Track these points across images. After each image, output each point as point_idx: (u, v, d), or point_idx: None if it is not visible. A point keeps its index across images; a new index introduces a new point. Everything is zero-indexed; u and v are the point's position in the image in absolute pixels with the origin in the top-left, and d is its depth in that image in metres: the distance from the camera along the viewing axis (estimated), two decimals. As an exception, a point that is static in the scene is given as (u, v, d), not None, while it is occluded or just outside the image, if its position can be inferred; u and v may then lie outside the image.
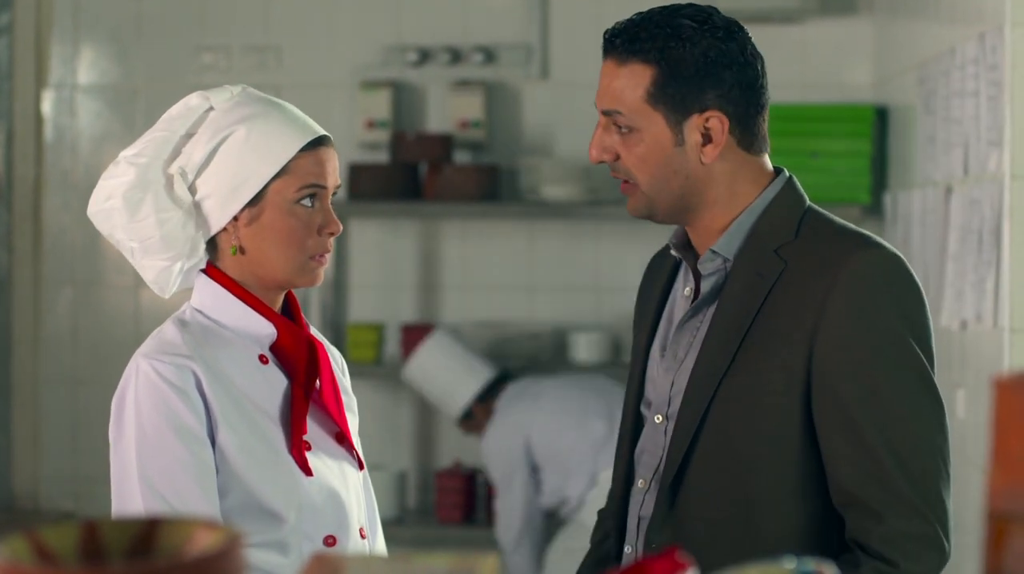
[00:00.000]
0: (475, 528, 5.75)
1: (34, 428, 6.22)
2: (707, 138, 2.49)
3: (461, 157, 6.06)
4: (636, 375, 2.63)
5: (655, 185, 2.50)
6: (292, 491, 2.54)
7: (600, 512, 2.76)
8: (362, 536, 2.65)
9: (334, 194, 2.64)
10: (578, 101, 5.90)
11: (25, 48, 6.23)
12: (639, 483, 2.58)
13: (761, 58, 2.53)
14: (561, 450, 5.23)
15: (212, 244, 2.63)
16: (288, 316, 2.66)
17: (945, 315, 4.23)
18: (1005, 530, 1.37)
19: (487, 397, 5.52)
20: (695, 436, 2.48)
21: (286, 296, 2.67)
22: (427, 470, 6.04)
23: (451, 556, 1.55)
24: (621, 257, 5.98)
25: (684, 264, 2.61)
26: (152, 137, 2.59)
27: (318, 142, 2.60)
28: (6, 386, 6.24)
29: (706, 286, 2.54)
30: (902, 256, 2.49)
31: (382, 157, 6.03)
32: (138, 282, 6.01)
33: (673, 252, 2.61)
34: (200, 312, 2.61)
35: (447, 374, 5.57)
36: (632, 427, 2.62)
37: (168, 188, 2.58)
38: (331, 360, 2.69)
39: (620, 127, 2.50)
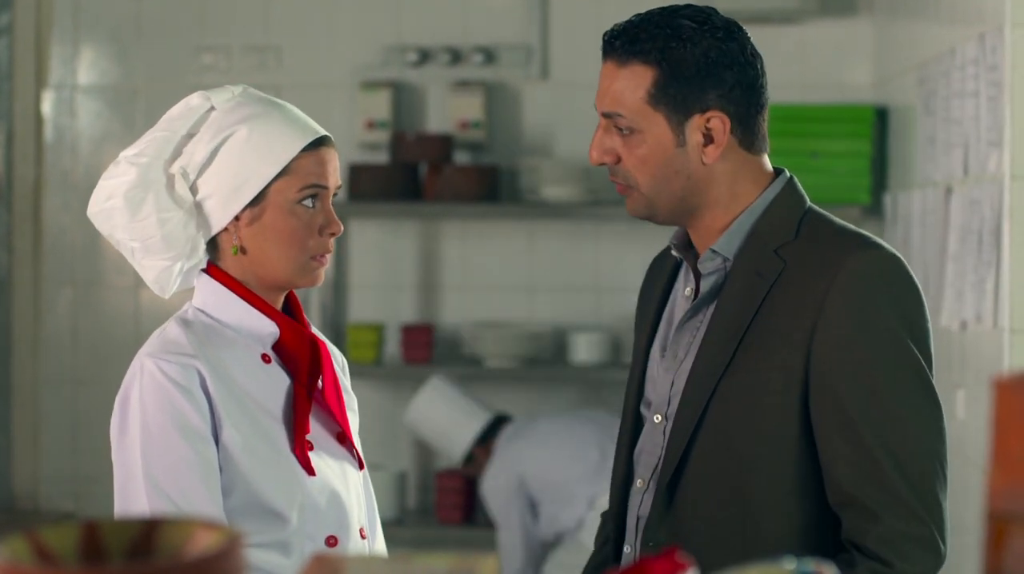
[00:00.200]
0: (475, 528, 5.75)
1: (34, 428, 6.22)
2: (708, 138, 2.49)
3: (461, 157, 6.06)
4: (636, 375, 2.63)
5: (656, 186, 2.50)
6: (294, 491, 2.54)
7: (603, 514, 2.76)
8: (362, 536, 2.65)
9: (335, 195, 2.64)
10: (578, 101, 5.90)
11: (25, 48, 6.23)
12: (638, 483, 2.58)
13: (760, 58, 2.53)
14: (555, 484, 5.32)
15: (213, 244, 2.63)
16: (289, 315, 2.66)
17: (945, 315, 4.23)
18: (1005, 530, 1.37)
19: (486, 439, 5.58)
20: (693, 435, 2.48)
21: (287, 295, 2.67)
22: (427, 470, 6.04)
23: (451, 556, 1.55)
24: (621, 257, 5.98)
25: (685, 264, 2.61)
26: (153, 137, 2.60)
27: (319, 142, 2.60)
28: (6, 386, 6.24)
29: (706, 286, 2.54)
30: (901, 257, 2.49)
31: (382, 157, 6.03)
32: (138, 282, 6.01)
33: (674, 252, 2.61)
34: (202, 311, 2.61)
35: (446, 420, 5.63)
36: (632, 427, 2.62)
37: (169, 188, 2.59)
38: (332, 360, 2.69)
39: (621, 129, 2.50)
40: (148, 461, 2.48)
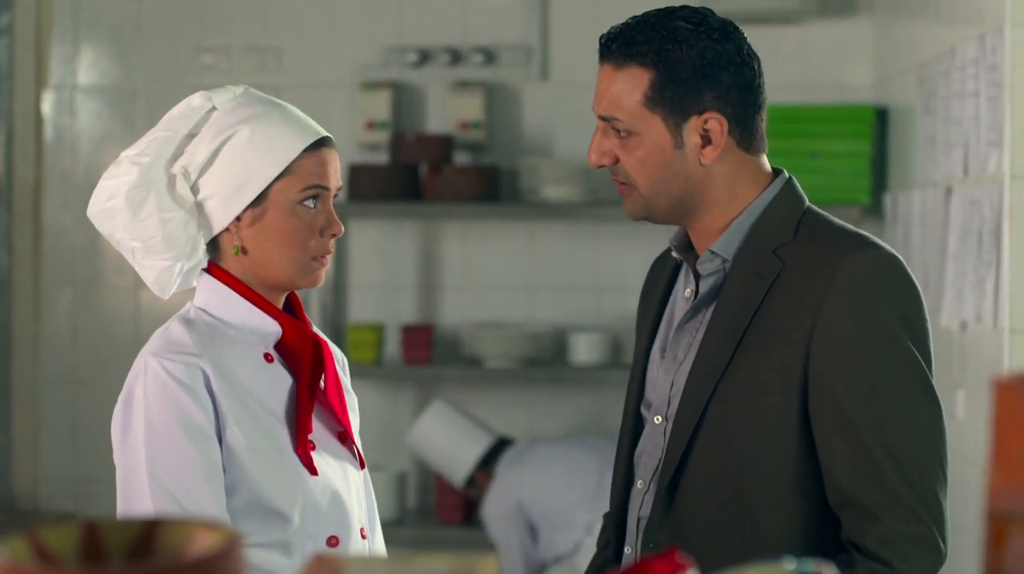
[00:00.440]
0: (475, 529, 5.75)
1: (34, 428, 6.22)
2: (706, 140, 2.49)
3: (461, 158, 6.06)
4: (637, 376, 2.63)
5: (654, 188, 2.50)
6: (297, 491, 2.54)
7: (605, 515, 2.77)
8: (363, 536, 2.65)
9: (335, 195, 2.64)
10: (578, 102, 5.90)
11: (25, 49, 6.23)
12: (638, 484, 2.58)
13: (757, 58, 2.53)
14: (554, 509, 5.35)
15: (213, 244, 2.63)
16: (291, 314, 2.66)
17: (945, 316, 4.23)
18: (1005, 530, 1.37)
19: (488, 463, 5.60)
20: (693, 436, 2.48)
21: (288, 295, 2.67)
22: (427, 471, 6.04)
23: (451, 557, 1.55)
24: (621, 257, 5.98)
25: (685, 265, 2.61)
26: (155, 137, 2.60)
27: (320, 143, 2.60)
28: (6, 386, 6.24)
29: (705, 287, 2.54)
30: (900, 257, 2.49)
31: (382, 158, 6.03)
32: (138, 283, 6.01)
33: (674, 254, 2.61)
34: (204, 311, 2.61)
35: (448, 443, 5.66)
36: (632, 429, 2.62)
37: (171, 188, 2.59)
38: (333, 359, 2.69)
39: (619, 131, 2.50)
40: (152, 460, 2.48)
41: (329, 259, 2.62)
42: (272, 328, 2.60)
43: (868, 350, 2.42)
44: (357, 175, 5.86)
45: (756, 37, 2.58)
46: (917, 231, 4.75)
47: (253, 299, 2.61)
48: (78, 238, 6.14)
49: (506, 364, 5.83)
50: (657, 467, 2.54)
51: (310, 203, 2.58)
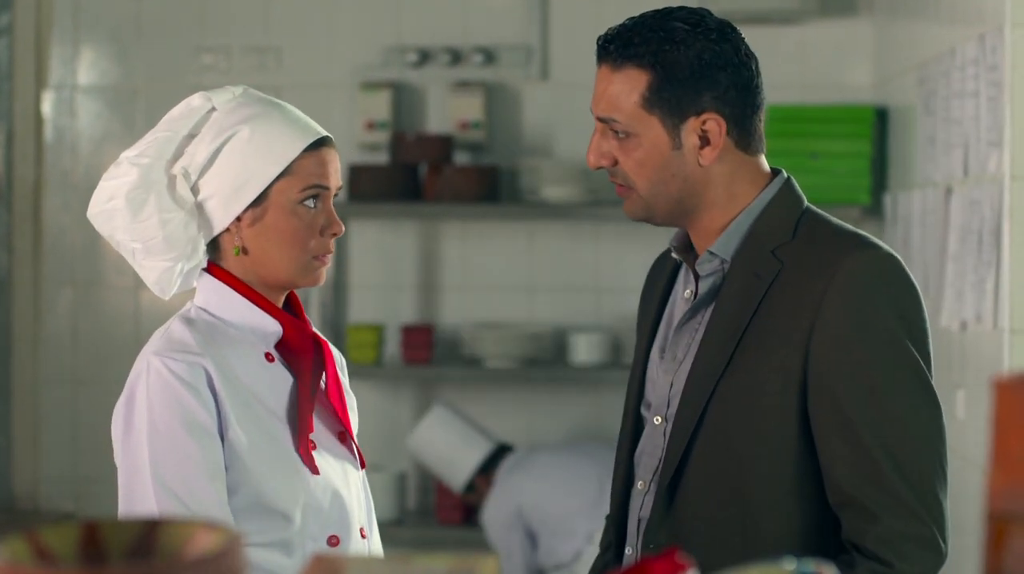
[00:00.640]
0: (475, 529, 5.75)
1: (34, 428, 6.22)
2: (705, 140, 2.49)
3: (461, 158, 6.06)
4: (637, 377, 2.63)
5: (653, 189, 2.50)
6: (298, 490, 2.54)
7: (607, 517, 2.77)
8: (362, 536, 2.65)
9: (336, 195, 2.64)
10: (578, 102, 5.89)
11: (25, 49, 6.23)
12: (639, 485, 2.58)
13: (755, 58, 2.53)
14: (554, 517, 5.36)
15: (214, 244, 2.63)
16: (291, 314, 2.66)
17: (945, 316, 4.23)
18: (1005, 530, 1.37)
19: (488, 469, 5.60)
20: (693, 436, 2.48)
21: (288, 295, 2.67)
22: (427, 471, 6.04)
23: (451, 557, 1.55)
24: (621, 257, 5.98)
25: (684, 266, 2.61)
26: (154, 138, 2.60)
27: (320, 143, 2.60)
28: (6, 386, 6.24)
29: (704, 287, 2.54)
30: (899, 257, 2.49)
31: (382, 158, 6.03)
32: (138, 283, 6.01)
33: (673, 254, 2.61)
34: (205, 310, 2.61)
35: (448, 448, 5.66)
36: (632, 429, 2.62)
37: (171, 189, 2.59)
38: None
39: (617, 133, 2.50)
40: (155, 459, 2.48)
41: (330, 258, 2.63)
42: (273, 327, 2.61)
43: (867, 350, 2.42)
44: (357, 175, 5.86)
45: (756, 37, 2.58)
46: (917, 231, 4.75)
47: (253, 299, 2.61)
48: (78, 238, 6.14)
49: (506, 364, 5.84)
50: (657, 467, 2.54)
51: (310, 203, 2.58)
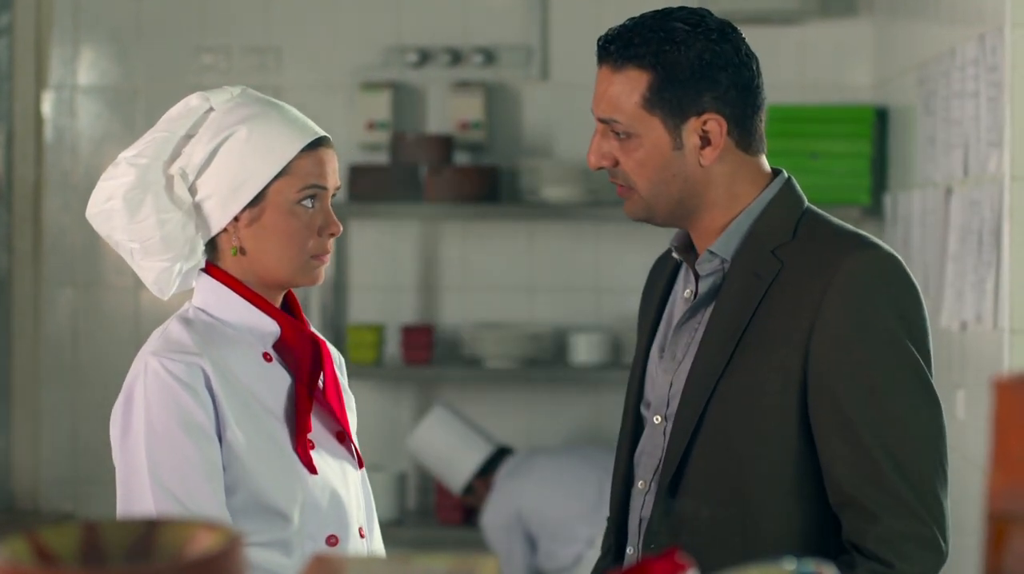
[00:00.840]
0: (475, 530, 5.75)
1: (34, 428, 6.22)
2: (705, 141, 2.49)
3: (461, 158, 6.06)
4: (637, 376, 2.63)
5: (654, 189, 2.50)
6: (296, 490, 2.54)
7: (608, 519, 2.76)
8: (361, 536, 2.65)
9: (334, 195, 2.64)
10: (578, 102, 5.89)
11: (25, 49, 6.23)
12: (639, 484, 2.58)
13: (756, 58, 2.53)
14: (554, 521, 5.35)
15: (212, 245, 2.63)
16: (289, 313, 2.66)
17: (945, 316, 4.23)
18: (1005, 530, 1.37)
19: (487, 472, 5.60)
20: (693, 436, 2.48)
21: (286, 295, 2.67)
22: (427, 471, 6.04)
23: (451, 557, 1.55)
24: (621, 258, 5.98)
25: (685, 265, 2.61)
26: (152, 138, 2.60)
27: (318, 143, 2.60)
28: (6, 386, 6.23)
29: (704, 287, 2.54)
30: (899, 256, 2.49)
31: (382, 158, 6.03)
32: (138, 283, 6.01)
33: (674, 254, 2.61)
34: (203, 311, 2.61)
35: (447, 450, 5.66)
36: (632, 429, 2.62)
37: (168, 189, 2.59)
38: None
39: (618, 133, 2.50)
40: (153, 459, 2.48)
41: (328, 258, 2.63)
42: (271, 328, 2.61)
43: (867, 350, 2.42)
44: (357, 175, 5.86)
45: (756, 37, 2.57)
46: (917, 231, 4.75)
47: (251, 299, 2.61)
48: (78, 238, 6.13)
49: (506, 364, 5.84)
50: (657, 467, 2.54)
51: (308, 203, 2.58)
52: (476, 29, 6.05)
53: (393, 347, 6.05)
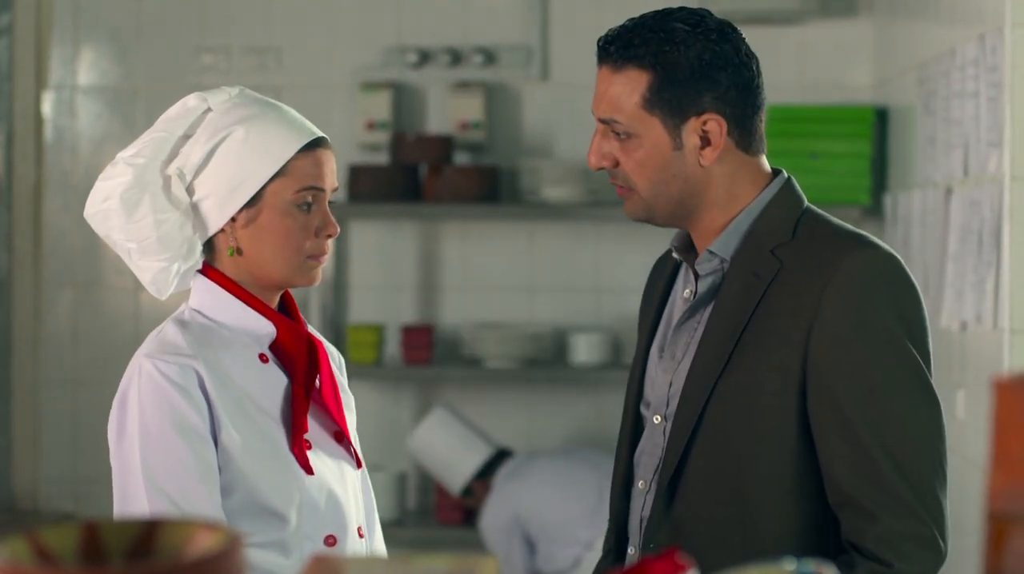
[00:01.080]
0: (475, 530, 5.75)
1: (34, 429, 6.22)
2: (705, 141, 2.49)
3: (461, 158, 6.06)
4: (636, 376, 2.63)
5: (654, 189, 2.50)
6: (293, 490, 2.54)
7: (609, 519, 2.76)
8: (360, 535, 2.65)
9: (332, 197, 2.64)
10: (578, 102, 5.90)
11: (25, 49, 6.23)
12: (639, 484, 2.58)
13: (756, 58, 2.53)
14: (553, 524, 5.36)
15: (209, 245, 2.63)
16: (286, 315, 2.66)
17: (945, 316, 4.23)
18: (1005, 530, 1.37)
19: (486, 474, 5.60)
20: (692, 436, 2.48)
21: (283, 295, 2.67)
22: (427, 471, 6.04)
23: (451, 557, 1.55)
24: (621, 258, 5.98)
25: (685, 265, 2.61)
26: (150, 138, 2.60)
27: (316, 144, 2.60)
28: (6, 386, 6.24)
29: (703, 286, 2.54)
30: (898, 256, 2.49)
31: (382, 158, 6.03)
32: (138, 284, 5.97)
33: (674, 254, 2.61)
34: (199, 312, 2.61)
35: (447, 451, 5.67)
36: (632, 428, 2.62)
37: (166, 189, 2.59)
38: (329, 358, 2.69)
39: (618, 134, 2.50)
40: (147, 461, 2.49)
41: (326, 259, 2.62)
42: (266, 329, 2.61)
43: (867, 350, 2.42)
44: (357, 175, 5.86)
45: (756, 37, 2.57)
46: (917, 231, 4.75)
47: (247, 300, 2.60)
48: (78, 239, 6.13)
49: (506, 365, 5.84)
50: (657, 467, 2.54)
51: (305, 204, 2.58)
52: (476, 29, 6.05)
53: (393, 347, 6.05)
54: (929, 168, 4.63)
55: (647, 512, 2.55)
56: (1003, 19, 3.81)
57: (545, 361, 5.94)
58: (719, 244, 2.52)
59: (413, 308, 6.12)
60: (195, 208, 2.60)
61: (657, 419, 2.56)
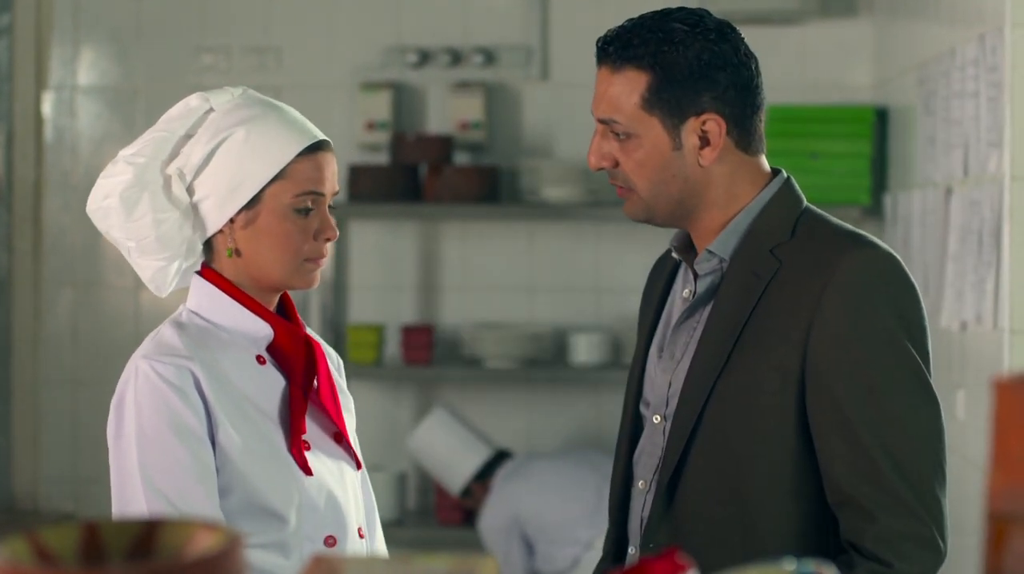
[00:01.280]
0: (475, 530, 5.75)
1: (34, 428, 6.22)
2: (705, 141, 2.49)
3: (461, 158, 6.06)
4: (636, 375, 2.63)
5: (654, 190, 2.51)
6: (292, 491, 2.54)
7: (609, 519, 2.76)
8: (360, 536, 2.65)
9: (332, 200, 2.63)
10: (578, 102, 5.90)
11: (25, 49, 6.23)
12: (639, 484, 2.58)
13: (755, 58, 2.53)
14: (552, 525, 5.36)
15: (209, 245, 2.63)
16: (284, 316, 2.66)
17: (945, 316, 4.23)
18: (1005, 530, 1.37)
19: (485, 475, 5.60)
20: (692, 435, 2.48)
21: (281, 297, 2.67)
22: (427, 472, 6.04)
23: (451, 557, 1.55)
24: (621, 258, 5.98)
25: (684, 265, 2.61)
26: (151, 137, 2.60)
27: (317, 147, 2.59)
28: (6, 386, 6.24)
29: (702, 286, 2.54)
30: (898, 256, 2.49)
31: (382, 158, 6.03)
32: (138, 283, 6.01)
33: (674, 254, 2.61)
34: (196, 314, 2.61)
35: (447, 452, 5.67)
36: (631, 428, 2.62)
37: (166, 188, 2.59)
38: (328, 360, 2.69)
39: (618, 134, 2.50)
40: (144, 462, 2.48)
41: (325, 261, 2.62)
42: (264, 331, 2.60)
43: (866, 349, 2.42)
44: (357, 175, 5.86)
45: (756, 37, 2.57)
46: (917, 231, 4.75)
47: (244, 302, 2.60)
48: (78, 238, 6.14)
49: (506, 365, 5.84)
50: (657, 467, 2.54)
51: (304, 208, 2.57)
52: (476, 29, 6.05)
53: (393, 347, 6.05)
54: (929, 168, 4.63)
55: (647, 512, 2.55)
56: (1003, 19, 3.81)
57: (545, 361, 5.94)
58: (718, 244, 2.52)
59: (413, 308, 6.12)
60: (195, 208, 2.59)
61: (656, 419, 2.56)
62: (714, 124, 2.48)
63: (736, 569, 1.72)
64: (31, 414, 6.22)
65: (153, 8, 6.14)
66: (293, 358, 2.60)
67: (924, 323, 2.47)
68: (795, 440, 2.44)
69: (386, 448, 6.02)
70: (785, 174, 2.57)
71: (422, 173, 5.92)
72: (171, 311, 2.70)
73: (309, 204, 2.57)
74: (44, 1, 6.18)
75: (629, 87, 2.48)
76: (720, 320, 2.49)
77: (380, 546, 2.77)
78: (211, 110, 2.60)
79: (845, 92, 5.85)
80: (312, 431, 2.61)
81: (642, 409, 2.61)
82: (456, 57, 6.02)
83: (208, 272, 2.62)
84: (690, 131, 2.49)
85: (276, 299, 2.65)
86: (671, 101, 2.47)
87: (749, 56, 2.52)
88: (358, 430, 2.74)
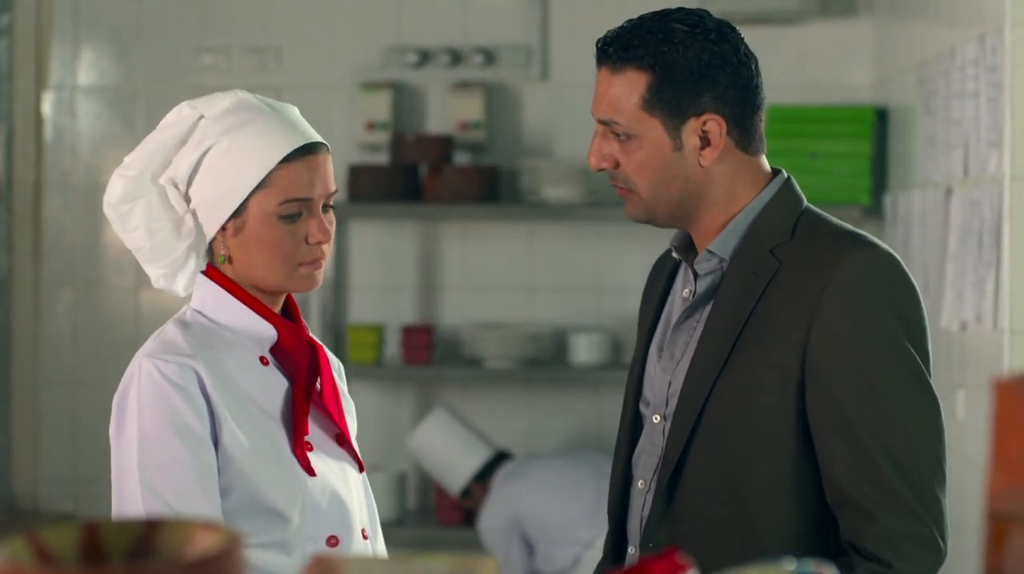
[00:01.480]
0: (475, 530, 5.75)
1: (34, 428, 6.22)
2: (705, 141, 2.49)
3: (461, 158, 6.06)
4: (635, 375, 2.63)
5: (655, 190, 2.51)
6: (296, 491, 2.54)
7: (610, 520, 2.76)
8: (364, 537, 2.65)
9: (330, 205, 2.61)
10: (578, 102, 5.90)
11: (25, 49, 6.23)
12: (639, 484, 2.58)
13: (755, 58, 2.53)
14: (551, 525, 5.36)
15: (211, 249, 2.63)
16: (288, 318, 2.66)
17: (945, 316, 4.23)
18: (1005, 530, 1.37)
19: (485, 476, 5.60)
20: (691, 435, 2.48)
21: (285, 299, 2.67)
22: (427, 472, 6.04)
23: (451, 558, 1.55)
24: (621, 258, 5.98)
25: (684, 265, 2.61)
26: (144, 148, 2.60)
27: (306, 150, 2.57)
28: (6, 386, 6.24)
29: (702, 286, 2.54)
30: (897, 256, 2.49)
31: (382, 158, 6.03)
32: (138, 283, 6.01)
33: (674, 254, 2.61)
34: (200, 313, 2.61)
35: (446, 452, 5.67)
36: (631, 428, 2.62)
37: (161, 198, 2.59)
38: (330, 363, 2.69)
39: (618, 135, 2.50)
40: (144, 462, 2.48)
41: (323, 263, 2.60)
42: (268, 332, 2.60)
43: (866, 349, 2.42)
44: (357, 176, 5.86)
45: (756, 38, 2.57)
46: (917, 231, 4.75)
47: (249, 302, 2.60)
48: (78, 238, 6.14)
49: (506, 365, 5.84)
50: (657, 466, 2.54)
51: (291, 215, 2.56)
52: (476, 29, 6.05)
53: (393, 347, 6.05)
54: (929, 168, 4.63)
55: (646, 512, 2.55)
56: (1003, 19, 3.81)
57: (545, 361, 5.94)
58: (718, 243, 2.52)
59: (413, 308, 6.12)
60: (194, 215, 2.60)
61: (656, 418, 2.56)
62: (714, 124, 2.49)
63: (736, 569, 1.72)
64: (31, 414, 6.22)
65: (153, 8, 6.14)
66: (296, 360, 2.60)
67: (924, 323, 2.47)
68: (795, 440, 2.45)
69: (386, 448, 6.02)
70: (785, 174, 2.58)
71: (422, 173, 5.92)
72: (172, 311, 2.70)
73: (295, 210, 2.56)
74: (44, 1, 6.18)
75: (629, 88, 2.48)
76: (720, 320, 2.49)
77: (381, 548, 2.77)
78: (202, 117, 2.59)
79: (845, 92, 5.85)
80: (314, 432, 2.61)
81: (642, 409, 2.61)
82: (456, 57, 6.02)
83: (213, 272, 2.62)
84: (691, 131, 2.49)
85: (280, 301, 2.65)
86: (671, 101, 2.47)
87: (749, 56, 2.52)
88: (359, 429, 2.74)
